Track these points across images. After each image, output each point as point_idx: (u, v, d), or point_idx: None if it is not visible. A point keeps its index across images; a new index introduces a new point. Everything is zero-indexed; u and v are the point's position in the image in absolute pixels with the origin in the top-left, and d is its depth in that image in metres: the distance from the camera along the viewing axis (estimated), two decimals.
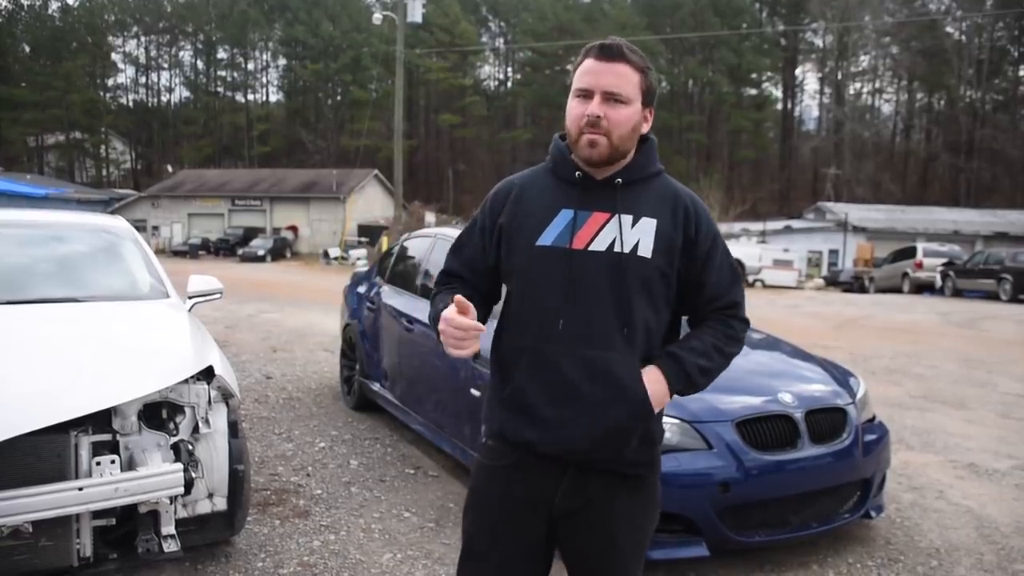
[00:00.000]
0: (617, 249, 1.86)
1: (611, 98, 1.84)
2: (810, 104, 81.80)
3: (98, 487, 2.78)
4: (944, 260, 25.18)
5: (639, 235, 1.88)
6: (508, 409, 1.94)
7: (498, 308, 2.10)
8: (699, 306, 1.99)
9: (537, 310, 1.91)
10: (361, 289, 6.66)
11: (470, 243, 2.07)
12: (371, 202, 51.68)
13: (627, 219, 1.88)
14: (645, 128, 1.94)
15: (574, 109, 1.88)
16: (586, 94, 1.86)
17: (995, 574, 3.78)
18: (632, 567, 1.98)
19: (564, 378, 1.86)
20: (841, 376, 4.34)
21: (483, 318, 1.96)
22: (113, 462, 2.90)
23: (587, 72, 1.86)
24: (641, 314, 1.88)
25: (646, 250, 1.87)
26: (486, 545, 2.01)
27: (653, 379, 1.89)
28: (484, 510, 2.02)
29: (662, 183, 1.98)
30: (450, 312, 1.80)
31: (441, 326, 1.83)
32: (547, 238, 1.90)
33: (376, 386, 5.96)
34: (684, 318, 2.05)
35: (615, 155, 1.88)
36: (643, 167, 1.95)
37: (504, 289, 2.06)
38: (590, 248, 1.87)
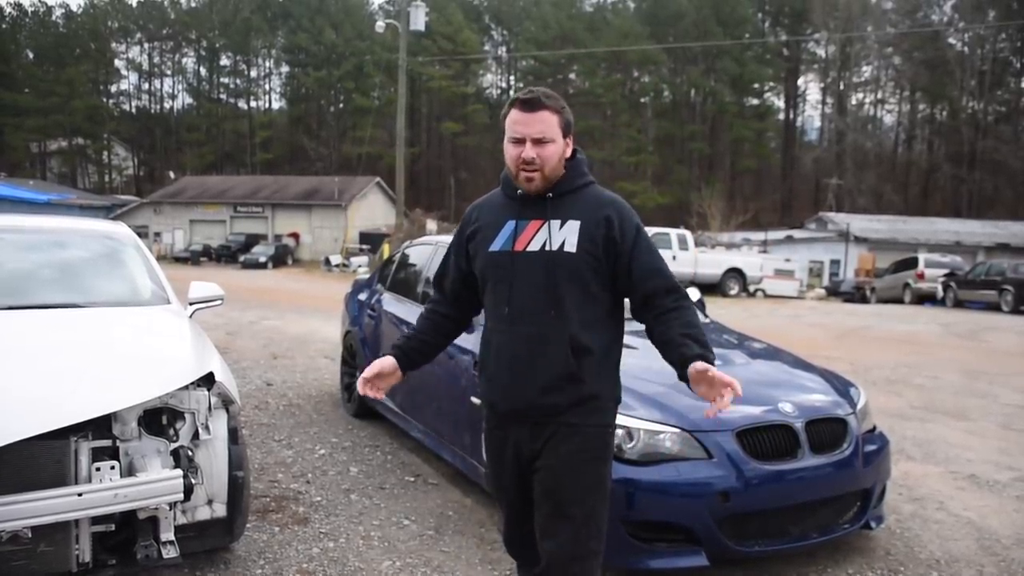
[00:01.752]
0: (547, 248, 2.38)
1: (539, 141, 2.35)
2: (812, 114, 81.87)
3: (97, 493, 2.78)
4: (946, 271, 25.16)
5: (565, 235, 2.38)
6: (485, 379, 2.56)
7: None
8: (633, 286, 2.42)
9: (495, 302, 2.47)
10: (362, 296, 6.66)
11: (448, 270, 2.68)
12: (373, 210, 51.74)
13: (555, 223, 2.40)
14: (567, 153, 2.44)
15: (510, 152, 2.39)
16: (519, 140, 2.37)
17: None
18: (576, 499, 2.38)
19: (512, 352, 2.43)
20: (842, 386, 4.33)
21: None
22: (113, 468, 2.90)
23: (516, 122, 2.37)
24: (571, 297, 2.36)
25: (571, 246, 2.37)
26: (501, 485, 2.61)
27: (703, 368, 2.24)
28: (491, 463, 2.64)
29: (591, 192, 2.48)
30: (375, 366, 2.58)
31: (366, 372, 2.57)
32: (497, 245, 2.45)
33: None
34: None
35: (549, 184, 2.40)
36: (571, 181, 2.45)
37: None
38: (528, 249, 2.40)
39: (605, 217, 2.38)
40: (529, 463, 2.46)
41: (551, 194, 2.41)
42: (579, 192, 2.45)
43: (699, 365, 2.21)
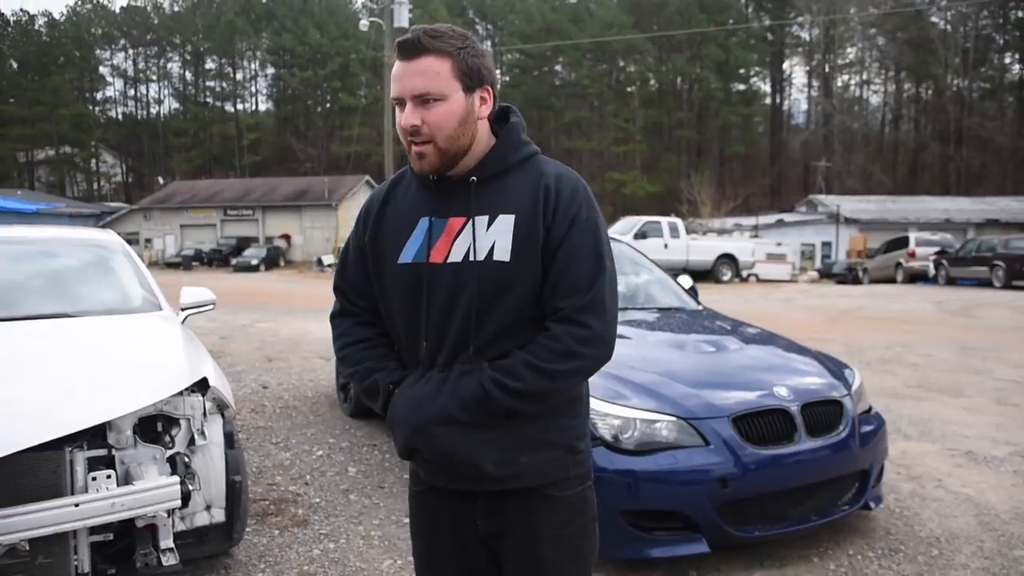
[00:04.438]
0: (471, 258, 1.66)
1: (422, 100, 1.63)
2: (799, 98, 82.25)
3: (94, 503, 2.77)
4: (937, 249, 25.22)
5: (494, 237, 1.66)
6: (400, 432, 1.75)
7: None
8: (542, 299, 1.69)
9: (405, 334, 1.76)
10: None
11: (353, 265, 1.87)
12: None
13: (482, 221, 1.67)
14: (484, 112, 1.71)
15: (397, 121, 1.68)
16: (399, 102, 1.66)
17: (995, 561, 3.78)
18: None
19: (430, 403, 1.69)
20: (836, 368, 4.34)
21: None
22: (109, 477, 2.89)
23: (394, 77, 1.66)
24: (497, 324, 1.66)
25: (503, 253, 1.65)
26: (427, 570, 1.91)
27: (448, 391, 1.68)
28: (419, 537, 1.92)
29: (531, 169, 1.73)
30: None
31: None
32: (407, 254, 1.72)
33: None
34: None
35: (449, 159, 1.67)
36: (504, 156, 1.72)
37: None
38: (449, 260, 1.68)
39: (544, 201, 1.67)
40: (483, 542, 1.81)
41: (475, 178, 1.69)
42: (516, 171, 1.72)
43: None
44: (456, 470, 1.73)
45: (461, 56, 1.65)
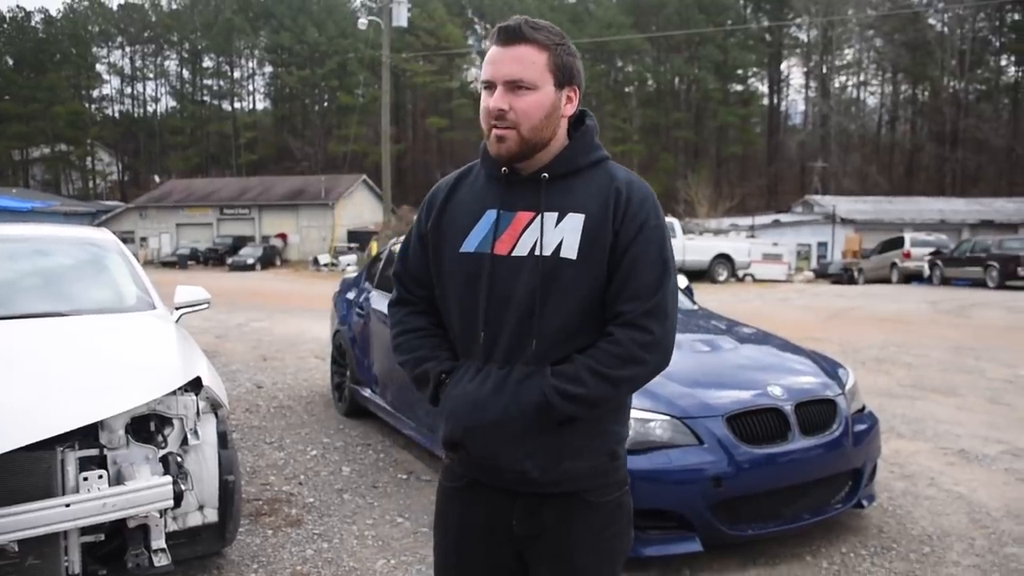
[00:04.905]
0: (537, 252, 1.67)
1: (514, 86, 1.65)
2: (796, 98, 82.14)
3: (86, 503, 2.76)
4: (931, 249, 25.25)
5: (563, 234, 1.67)
6: (447, 421, 1.77)
7: None
8: (605, 303, 1.70)
9: (462, 324, 1.76)
10: (350, 295, 6.64)
11: (414, 253, 1.89)
12: (360, 207, 51.62)
13: (550, 217, 1.69)
14: (569, 110, 1.74)
15: (483, 103, 1.71)
16: (489, 85, 1.68)
17: (986, 558, 3.79)
18: None
19: (484, 396, 1.70)
20: (830, 367, 4.35)
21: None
22: (101, 477, 2.88)
23: (489, 61, 1.68)
24: (559, 323, 1.67)
25: (570, 251, 1.66)
26: (449, 569, 1.89)
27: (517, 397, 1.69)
28: (446, 535, 1.89)
29: (602, 172, 1.75)
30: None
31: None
32: (470, 244, 1.73)
33: (367, 392, 5.95)
34: None
35: (528, 149, 1.69)
36: (575, 157, 1.74)
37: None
38: (514, 253, 1.69)
39: (614, 204, 1.69)
40: (513, 541, 1.81)
41: (546, 175, 1.72)
42: (586, 173, 1.74)
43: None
44: (499, 472, 1.74)
45: (558, 51, 1.68)
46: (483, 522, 1.80)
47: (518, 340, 1.69)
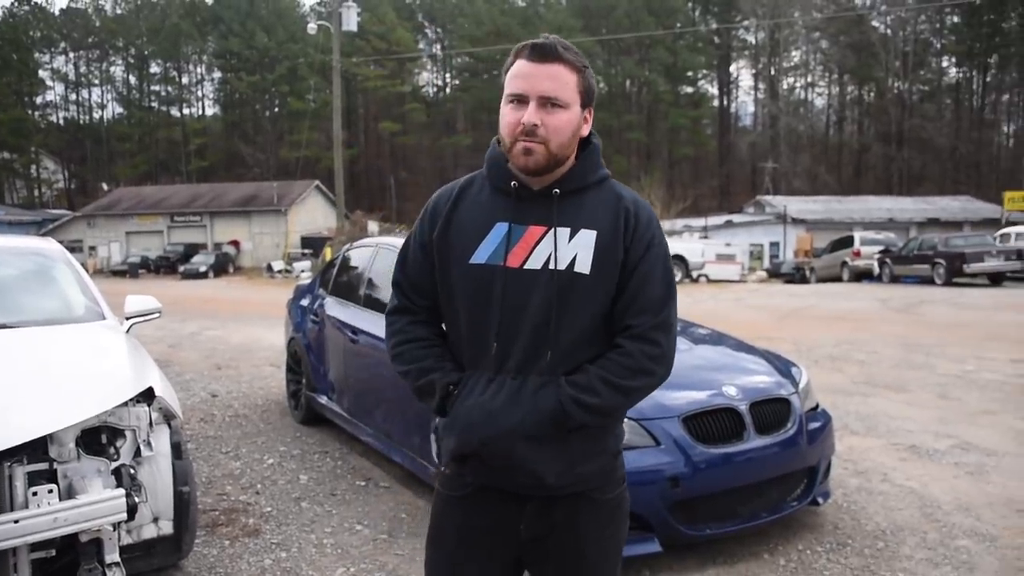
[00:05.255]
0: (552, 266, 1.72)
1: (547, 103, 1.69)
2: (745, 100, 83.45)
3: (35, 518, 2.69)
4: (880, 248, 25.78)
5: (576, 250, 1.73)
6: (455, 430, 1.79)
7: None
8: (612, 316, 1.78)
9: (471, 334, 1.78)
10: (304, 302, 6.58)
11: (414, 262, 1.89)
12: (313, 213, 51.18)
13: (563, 232, 1.74)
14: (585, 131, 1.80)
15: (508, 116, 1.72)
16: (520, 99, 1.71)
17: (938, 551, 3.88)
18: None
19: (495, 404, 1.74)
20: (784, 367, 4.41)
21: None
22: (51, 491, 2.81)
23: (520, 75, 1.71)
24: (573, 335, 1.73)
25: (583, 266, 1.72)
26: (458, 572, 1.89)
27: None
28: (445, 543, 1.89)
29: (606, 190, 1.82)
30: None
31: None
32: (481, 255, 1.75)
33: (323, 399, 5.90)
34: None
35: (553, 163, 1.73)
36: (584, 174, 1.80)
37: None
38: (526, 266, 1.73)
39: (624, 223, 1.77)
40: (514, 548, 1.85)
41: (557, 190, 1.76)
42: (593, 190, 1.80)
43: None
44: (513, 479, 1.78)
45: (585, 75, 1.75)
46: (485, 529, 1.84)
47: (533, 351, 1.73)
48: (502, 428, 1.72)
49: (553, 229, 1.74)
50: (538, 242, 1.74)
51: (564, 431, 1.73)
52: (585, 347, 1.76)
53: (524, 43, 1.74)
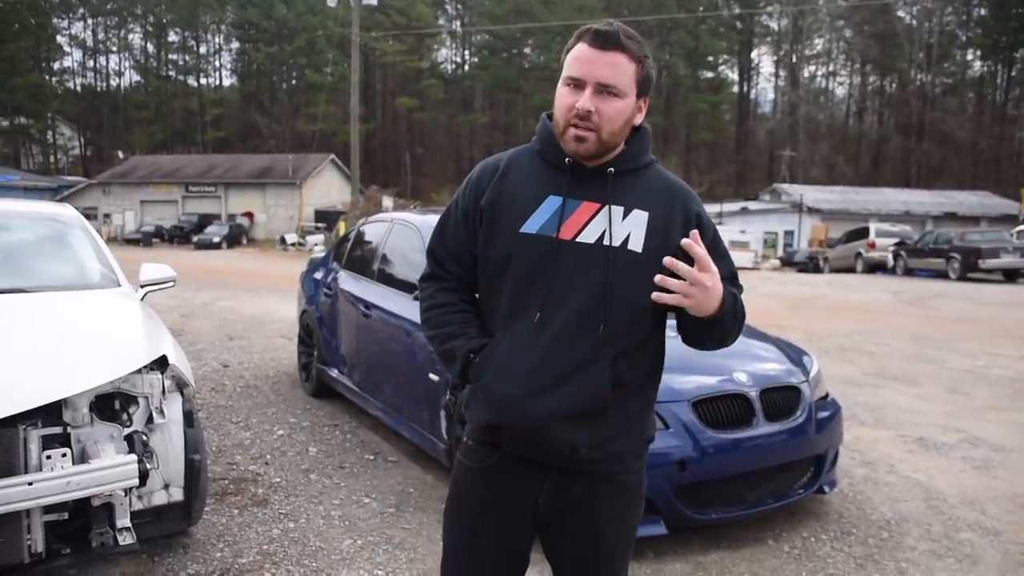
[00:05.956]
0: (606, 242, 1.74)
1: (604, 91, 1.71)
2: (765, 87, 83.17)
3: (49, 481, 2.72)
4: (896, 240, 25.63)
5: (630, 228, 1.76)
6: (484, 399, 1.81)
7: None
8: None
9: (517, 301, 1.78)
10: (318, 275, 6.60)
11: (454, 230, 1.91)
12: (328, 187, 51.23)
13: (618, 211, 1.77)
14: (638, 120, 1.82)
15: (564, 98, 1.74)
16: (577, 84, 1.72)
17: (941, 543, 3.89)
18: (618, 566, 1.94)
19: (535, 370, 1.75)
20: (795, 355, 4.40)
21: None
22: (64, 455, 2.84)
23: (580, 59, 1.72)
24: (625, 311, 1.75)
25: (636, 244, 1.75)
26: (460, 549, 1.92)
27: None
28: (465, 513, 1.91)
29: (653, 174, 1.86)
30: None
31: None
32: (532, 225, 1.77)
33: (334, 372, 5.93)
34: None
35: (603, 150, 1.76)
36: (635, 157, 1.83)
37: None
38: (578, 239, 1.75)
39: (696, 213, 1.83)
40: (530, 520, 1.87)
41: (612, 169, 1.79)
42: (642, 173, 1.84)
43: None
44: (545, 446, 1.78)
45: (645, 65, 1.76)
46: (504, 501, 1.85)
47: (579, 324, 1.74)
48: (543, 403, 1.74)
49: (608, 206, 1.77)
50: (592, 218, 1.77)
51: (603, 405, 1.76)
52: (635, 326, 1.79)
53: (587, 27, 1.75)
